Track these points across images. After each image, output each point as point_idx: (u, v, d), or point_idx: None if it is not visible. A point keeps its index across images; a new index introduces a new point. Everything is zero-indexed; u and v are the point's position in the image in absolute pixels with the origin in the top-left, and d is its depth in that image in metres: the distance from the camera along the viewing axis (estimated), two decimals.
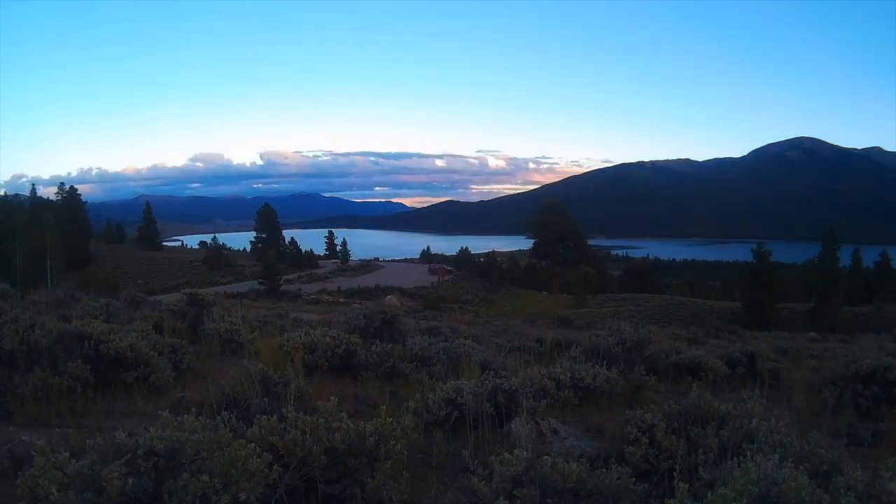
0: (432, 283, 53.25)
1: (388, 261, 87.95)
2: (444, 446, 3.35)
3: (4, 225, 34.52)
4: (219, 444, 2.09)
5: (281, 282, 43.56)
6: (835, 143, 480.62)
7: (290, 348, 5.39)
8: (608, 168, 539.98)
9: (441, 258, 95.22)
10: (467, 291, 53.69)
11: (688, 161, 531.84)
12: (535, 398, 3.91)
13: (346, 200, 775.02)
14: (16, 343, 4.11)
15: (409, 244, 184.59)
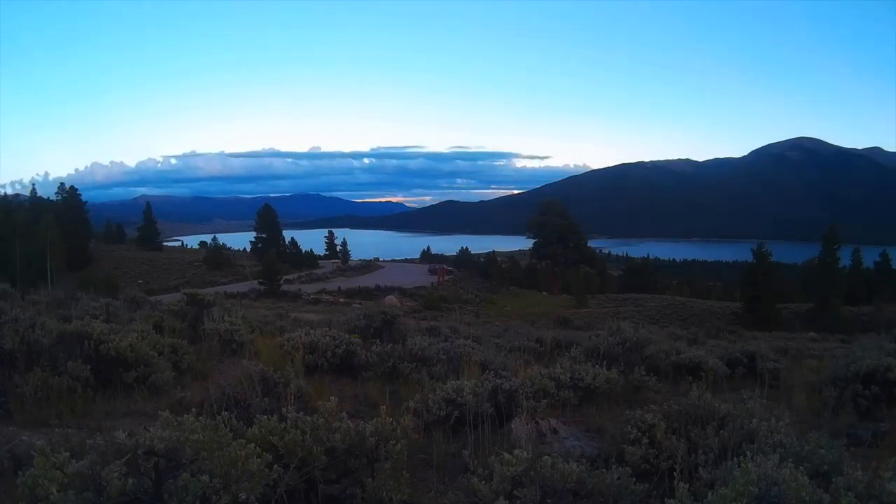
0: (432, 283, 53.23)
1: (388, 261, 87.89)
2: (444, 446, 3.35)
3: (4, 225, 34.48)
4: (219, 444, 2.09)
5: (281, 282, 43.55)
6: (835, 143, 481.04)
7: (290, 348, 5.39)
8: (608, 168, 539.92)
9: (441, 258, 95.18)
10: (467, 291, 53.68)
11: (688, 161, 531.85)
12: (535, 398, 3.91)
13: (346, 200, 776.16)
14: (16, 343, 4.11)
15: (409, 244, 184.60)
